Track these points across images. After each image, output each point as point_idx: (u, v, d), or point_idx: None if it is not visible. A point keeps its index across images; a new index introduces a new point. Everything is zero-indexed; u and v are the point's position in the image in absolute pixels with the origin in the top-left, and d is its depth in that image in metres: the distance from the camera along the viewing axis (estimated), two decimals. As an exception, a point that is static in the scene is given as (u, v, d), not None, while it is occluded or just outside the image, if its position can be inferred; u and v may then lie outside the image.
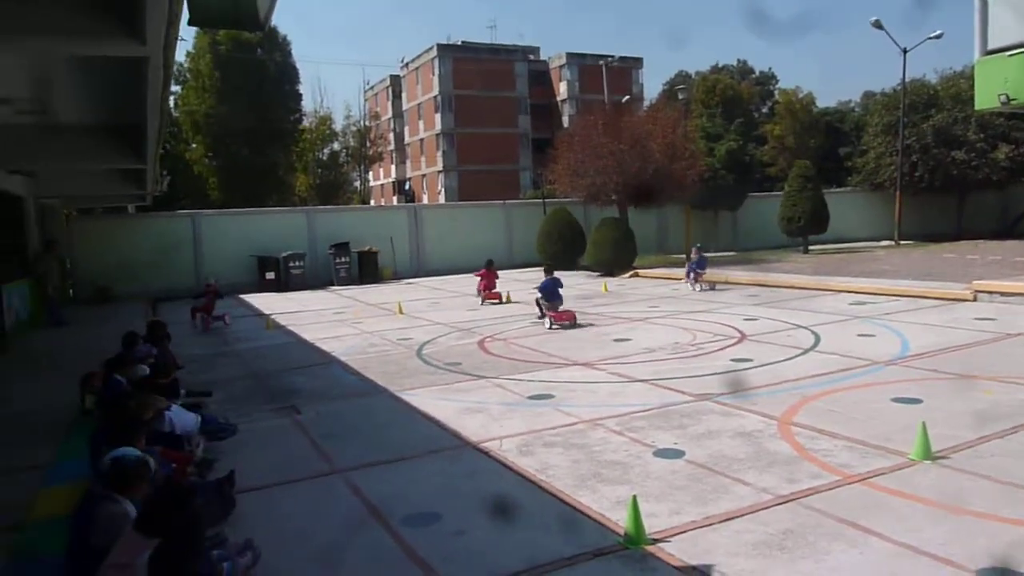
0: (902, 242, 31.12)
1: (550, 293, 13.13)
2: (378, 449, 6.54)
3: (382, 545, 4.64)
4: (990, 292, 13.67)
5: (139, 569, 3.23)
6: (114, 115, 11.03)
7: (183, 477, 5.06)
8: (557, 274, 13.93)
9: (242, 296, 21.94)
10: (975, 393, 7.45)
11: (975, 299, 13.66)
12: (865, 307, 13.68)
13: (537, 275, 17.60)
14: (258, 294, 22.36)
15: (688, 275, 18.00)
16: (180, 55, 37.07)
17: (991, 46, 13.63)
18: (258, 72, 34.85)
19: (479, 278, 17.57)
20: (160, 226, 24.27)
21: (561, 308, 13.10)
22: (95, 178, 17.27)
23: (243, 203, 31.07)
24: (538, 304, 13.36)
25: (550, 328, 12.72)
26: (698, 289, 17.52)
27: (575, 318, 13.01)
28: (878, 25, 30.56)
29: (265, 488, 5.73)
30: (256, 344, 13.25)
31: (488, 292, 17.10)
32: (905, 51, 31.61)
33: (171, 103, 34.11)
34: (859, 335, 10.93)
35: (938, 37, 31.42)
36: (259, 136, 34.51)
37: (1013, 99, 13.31)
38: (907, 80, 33.01)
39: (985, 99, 13.95)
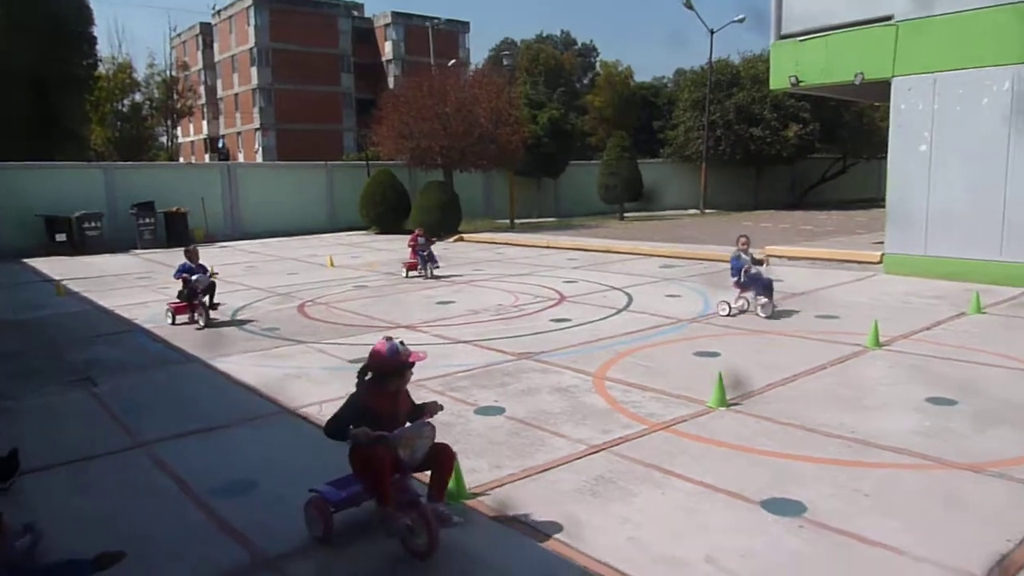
0: (707, 211, 33.60)
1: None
2: (188, 420, 6.15)
3: (191, 519, 4.37)
4: (780, 256, 15.10)
5: None
6: None
7: None
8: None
9: (27, 261, 19.77)
10: (764, 346, 8.22)
11: (768, 262, 15.02)
12: (673, 270, 14.64)
13: (361, 238, 17.84)
14: (47, 258, 20.23)
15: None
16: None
17: (784, 31, 14.93)
18: (41, 9, 30.95)
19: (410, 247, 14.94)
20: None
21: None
22: None
23: (24, 156, 27.61)
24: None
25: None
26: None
27: None
28: (688, 6, 32.42)
29: (55, 467, 5.22)
30: (46, 312, 11.96)
31: None
32: (712, 32, 33.82)
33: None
34: (667, 296, 11.69)
35: (741, 21, 33.94)
36: (43, 82, 30.72)
37: (802, 81, 14.68)
38: (713, 60, 35.40)
39: (778, 80, 15.28)
